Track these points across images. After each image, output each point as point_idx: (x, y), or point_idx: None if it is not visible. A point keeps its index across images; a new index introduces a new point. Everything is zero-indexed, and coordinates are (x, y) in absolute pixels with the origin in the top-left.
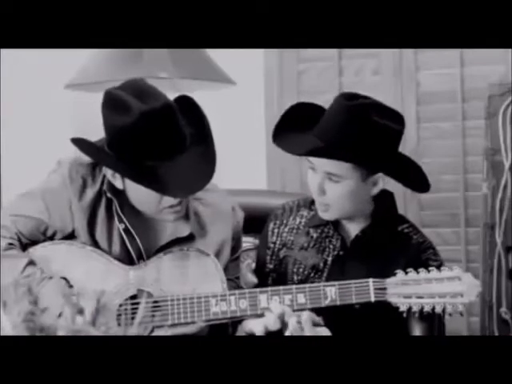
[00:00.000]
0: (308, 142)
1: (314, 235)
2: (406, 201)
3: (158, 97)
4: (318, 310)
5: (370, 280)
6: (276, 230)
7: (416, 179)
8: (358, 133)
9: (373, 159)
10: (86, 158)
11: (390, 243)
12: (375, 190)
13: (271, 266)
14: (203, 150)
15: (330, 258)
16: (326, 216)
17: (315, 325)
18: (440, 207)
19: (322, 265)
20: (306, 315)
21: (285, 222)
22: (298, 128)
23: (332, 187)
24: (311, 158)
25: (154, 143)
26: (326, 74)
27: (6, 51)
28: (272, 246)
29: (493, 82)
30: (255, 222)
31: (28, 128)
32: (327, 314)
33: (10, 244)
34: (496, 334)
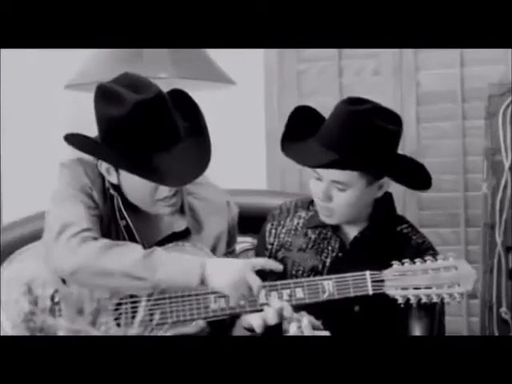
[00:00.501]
0: (320, 153)
1: (312, 236)
2: (406, 201)
3: (150, 87)
4: (316, 314)
5: (367, 272)
6: (273, 231)
7: (420, 178)
8: (367, 140)
9: (381, 164)
10: (90, 157)
11: (389, 244)
12: (380, 193)
13: None
14: (198, 140)
15: (328, 260)
16: (329, 220)
17: (315, 328)
18: (440, 207)
19: (320, 267)
20: (306, 320)
21: (282, 222)
22: (303, 135)
23: (339, 195)
24: (318, 169)
25: (149, 133)
26: (325, 73)
27: (5, 51)
28: (270, 247)
29: (493, 82)
30: (255, 222)
31: (28, 128)
32: (327, 317)
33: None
34: (496, 333)
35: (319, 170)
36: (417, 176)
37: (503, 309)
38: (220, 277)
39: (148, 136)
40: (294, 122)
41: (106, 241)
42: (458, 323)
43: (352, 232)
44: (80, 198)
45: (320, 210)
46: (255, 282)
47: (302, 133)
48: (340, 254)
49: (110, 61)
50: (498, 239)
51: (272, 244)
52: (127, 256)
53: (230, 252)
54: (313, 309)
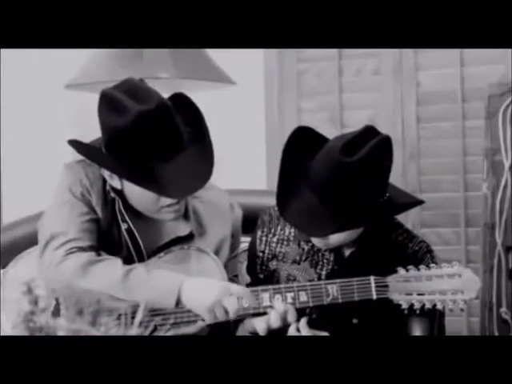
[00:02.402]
0: (324, 218)
1: (305, 247)
2: None
3: (152, 96)
4: (315, 325)
5: (371, 277)
6: (264, 239)
7: (409, 204)
8: (370, 189)
9: (382, 209)
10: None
11: (385, 255)
12: None
13: (261, 276)
14: (200, 148)
15: (324, 272)
16: (326, 248)
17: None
18: (440, 207)
19: (316, 279)
20: (304, 320)
21: (273, 230)
22: (298, 186)
23: (335, 235)
24: None
25: (151, 143)
26: (325, 73)
27: (5, 51)
28: (261, 254)
29: (493, 82)
30: (255, 222)
31: (28, 128)
32: (325, 329)
33: (81, 248)
34: (496, 334)
35: None
36: (406, 205)
37: (503, 309)
38: (196, 298)
39: (150, 146)
40: (287, 176)
41: (88, 256)
42: (458, 323)
43: (346, 245)
44: (74, 204)
45: (317, 244)
46: (233, 305)
47: (296, 182)
48: (336, 267)
49: (110, 61)
50: (498, 239)
51: (263, 252)
52: (106, 276)
53: (233, 257)
54: (311, 319)
